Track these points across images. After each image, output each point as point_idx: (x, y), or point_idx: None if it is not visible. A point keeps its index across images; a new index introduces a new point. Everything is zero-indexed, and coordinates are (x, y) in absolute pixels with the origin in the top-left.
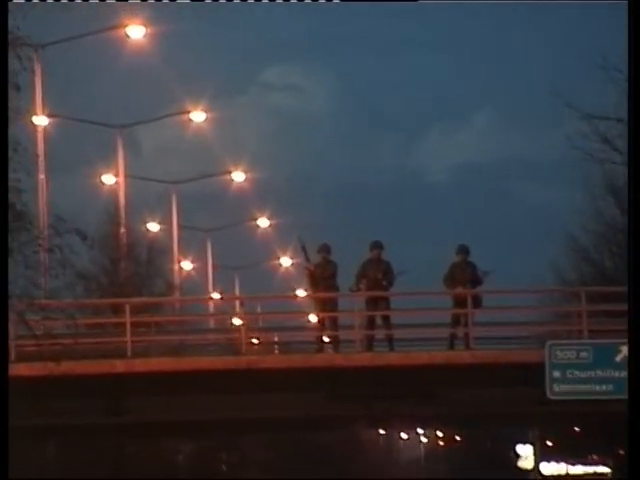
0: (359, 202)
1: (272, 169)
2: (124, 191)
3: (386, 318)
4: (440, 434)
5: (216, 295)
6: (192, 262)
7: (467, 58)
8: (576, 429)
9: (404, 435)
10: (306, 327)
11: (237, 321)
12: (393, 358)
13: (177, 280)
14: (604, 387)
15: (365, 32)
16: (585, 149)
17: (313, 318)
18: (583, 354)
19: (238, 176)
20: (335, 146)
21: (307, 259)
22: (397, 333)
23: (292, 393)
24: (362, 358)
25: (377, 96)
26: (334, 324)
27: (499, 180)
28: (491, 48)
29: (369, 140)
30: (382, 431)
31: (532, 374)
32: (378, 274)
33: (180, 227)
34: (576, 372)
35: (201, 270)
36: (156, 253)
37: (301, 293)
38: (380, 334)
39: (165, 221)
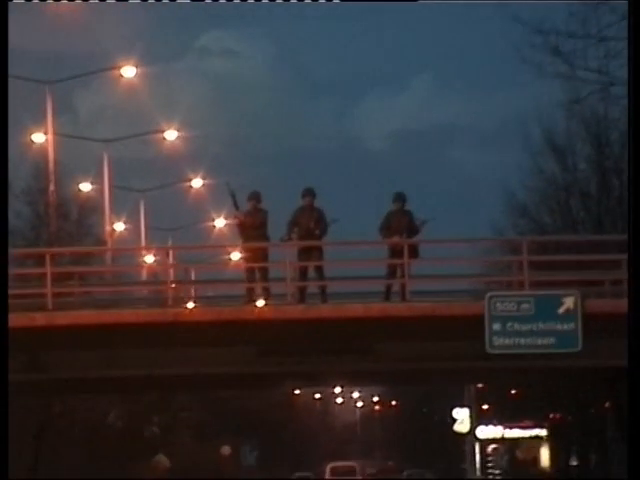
0: (296, 166)
1: (207, 131)
2: (55, 149)
3: (319, 269)
4: (376, 398)
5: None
6: (125, 223)
7: (405, 22)
8: (513, 392)
9: (339, 399)
10: (236, 280)
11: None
12: (326, 310)
13: (108, 240)
14: (546, 340)
15: None
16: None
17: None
18: (524, 306)
19: (171, 135)
20: (271, 110)
21: (236, 207)
22: (331, 285)
23: (222, 348)
24: (294, 311)
25: (314, 61)
26: (265, 275)
27: (438, 146)
28: (430, 11)
29: (306, 105)
30: (318, 395)
31: (471, 327)
32: (310, 222)
33: (112, 187)
34: (517, 325)
35: (134, 231)
36: (87, 212)
37: (235, 256)
38: (313, 286)
39: (98, 181)
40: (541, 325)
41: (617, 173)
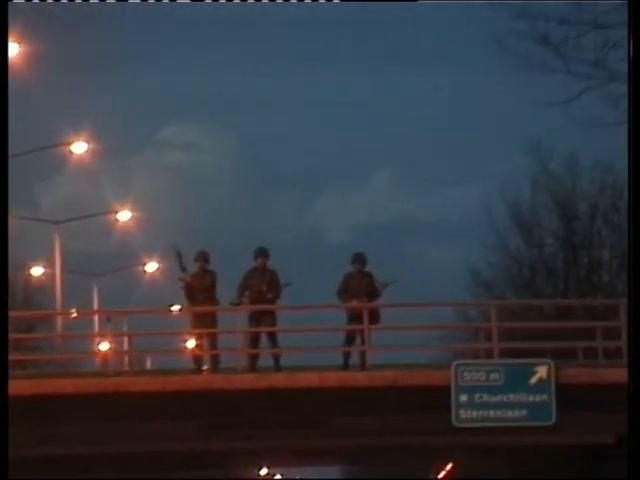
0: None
1: (164, 218)
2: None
3: (271, 335)
4: None
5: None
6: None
7: (369, 116)
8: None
9: None
10: (183, 348)
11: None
12: (279, 379)
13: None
14: (517, 413)
15: (265, 90)
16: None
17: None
18: (494, 375)
19: (124, 215)
20: (232, 203)
21: (183, 268)
22: (285, 353)
23: (163, 421)
24: (244, 379)
25: (275, 155)
26: (213, 342)
27: (397, 238)
28: (393, 105)
29: (267, 198)
30: None
31: (436, 399)
32: (262, 285)
33: (64, 271)
34: (485, 396)
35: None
36: (35, 294)
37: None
38: (265, 354)
39: (49, 265)
40: (512, 396)
41: (586, 248)
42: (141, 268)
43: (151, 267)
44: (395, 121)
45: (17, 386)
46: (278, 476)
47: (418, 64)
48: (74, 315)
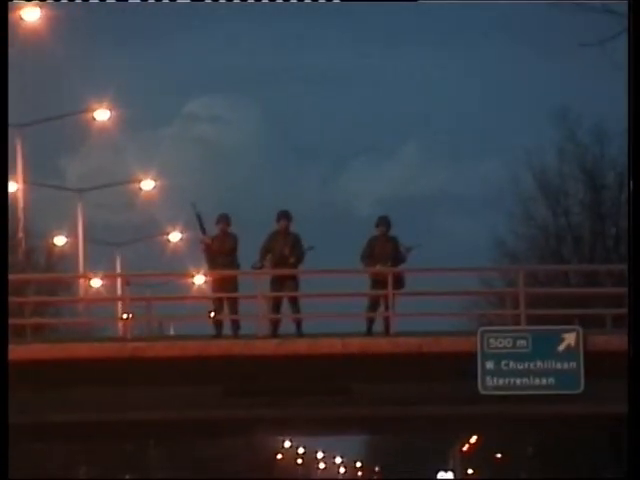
0: None
1: (189, 190)
2: (26, 198)
3: (294, 300)
4: (359, 464)
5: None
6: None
7: (394, 90)
8: (498, 456)
9: (322, 465)
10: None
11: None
12: (301, 346)
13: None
14: (545, 380)
15: (291, 63)
16: None
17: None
18: (521, 342)
19: (148, 184)
20: (257, 175)
21: (203, 230)
22: (307, 318)
23: (184, 387)
24: (265, 346)
25: (301, 127)
26: (234, 306)
27: (424, 211)
28: (419, 80)
29: (292, 171)
30: (300, 460)
31: (461, 366)
32: (285, 249)
33: (86, 240)
34: (512, 363)
35: (74, 244)
36: (57, 263)
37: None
38: (287, 319)
39: (72, 234)
40: (539, 364)
41: (613, 218)
42: (165, 238)
43: (175, 237)
44: (420, 95)
45: (33, 350)
46: (301, 449)
47: (443, 37)
48: (95, 278)
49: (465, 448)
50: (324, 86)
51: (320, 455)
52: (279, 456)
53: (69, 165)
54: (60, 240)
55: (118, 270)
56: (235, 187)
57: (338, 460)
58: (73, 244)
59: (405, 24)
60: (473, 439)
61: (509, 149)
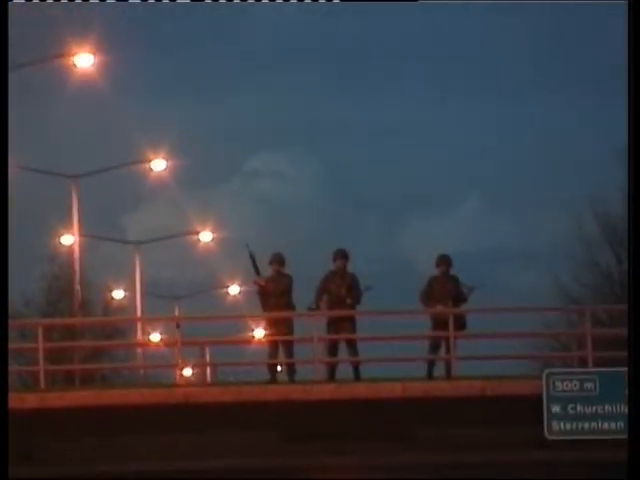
0: None
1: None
2: (82, 250)
3: (351, 342)
4: None
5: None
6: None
7: (449, 147)
8: None
9: None
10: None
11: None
12: (360, 390)
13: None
14: (613, 425)
15: (348, 115)
16: None
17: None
18: (588, 385)
19: (206, 236)
20: (318, 230)
21: (257, 271)
22: (365, 361)
23: (239, 433)
24: (323, 390)
25: (360, 181)
26: (289, 349)
27: (487, 268)
28: (477, 139)
29: (353, 226)
30: None
31: (527, 410)
32: (342, 289)
33: (144, 294)
34: (579, 407)
35: (132, 298)
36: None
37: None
38: (344, 363)
39: (130, 287)
40: (607, 407)
41: None
42: (224, 291)
43: (234, 290)
44: (475, 147)
45: (78, 397)
46: None
47: (492, 86)
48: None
49: None
50: (385, 140)
51: None
52: None
53: (128, 220)
54: (118, 294)
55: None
56: (294, 241)
57: None
58: (131, 298)
59: (457, 74)
60: None
61: (572, 196)
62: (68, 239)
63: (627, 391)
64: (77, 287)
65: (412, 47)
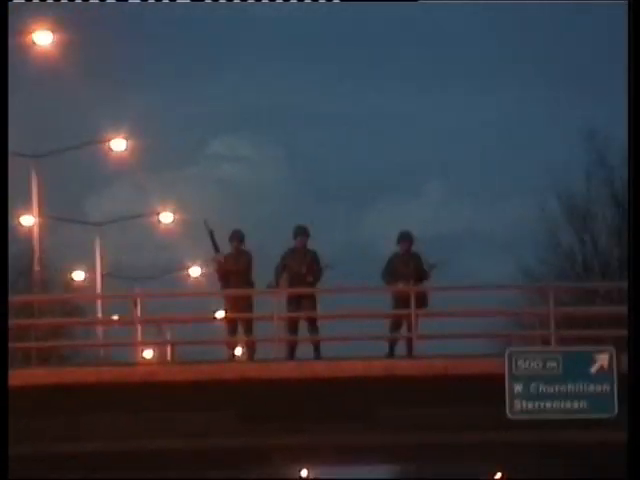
0: None
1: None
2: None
3: (312, 321)
4: None
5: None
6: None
7: (415, 130)
8: None
9: None
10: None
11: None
12: (320, 368)
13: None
14: (576, 404)
15: (314, 103)
16: None
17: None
18: (551, 364)
19: (167, 217)
20: (280, 215)
21: (216, 249)
22: (326, 340)
23: (198, 412)
24: (282, 368)
25: (325, 168)
26: (249, 327)
27: (449, 251)
28: (441, 120)
29: (315, 211)
30: None
31: (488, 389)
32: (302, 267)
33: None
34: (542, 386)
35: (92, 279)
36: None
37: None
38: (305, 341)
39: (90, 268)
40: (570, 386)
41: None
42: (185, 273)
43: (195, 271)
44: (442, 134)
45: (38, 375)
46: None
47: (470, 73)
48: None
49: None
50: (349, 127)
51: None
52: None
53: (89, 201)
54: (79, 275)
55: (138, 304)
56: (256, 224)
57: None
58: (91, 279)
59: (419, 65)
60: (498, 475)
61: (536, 178)
62: (28, 220)
63: (623, 390)
64: (37, 268)
65: (387, 37)
